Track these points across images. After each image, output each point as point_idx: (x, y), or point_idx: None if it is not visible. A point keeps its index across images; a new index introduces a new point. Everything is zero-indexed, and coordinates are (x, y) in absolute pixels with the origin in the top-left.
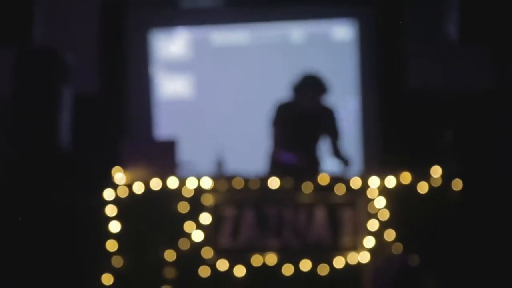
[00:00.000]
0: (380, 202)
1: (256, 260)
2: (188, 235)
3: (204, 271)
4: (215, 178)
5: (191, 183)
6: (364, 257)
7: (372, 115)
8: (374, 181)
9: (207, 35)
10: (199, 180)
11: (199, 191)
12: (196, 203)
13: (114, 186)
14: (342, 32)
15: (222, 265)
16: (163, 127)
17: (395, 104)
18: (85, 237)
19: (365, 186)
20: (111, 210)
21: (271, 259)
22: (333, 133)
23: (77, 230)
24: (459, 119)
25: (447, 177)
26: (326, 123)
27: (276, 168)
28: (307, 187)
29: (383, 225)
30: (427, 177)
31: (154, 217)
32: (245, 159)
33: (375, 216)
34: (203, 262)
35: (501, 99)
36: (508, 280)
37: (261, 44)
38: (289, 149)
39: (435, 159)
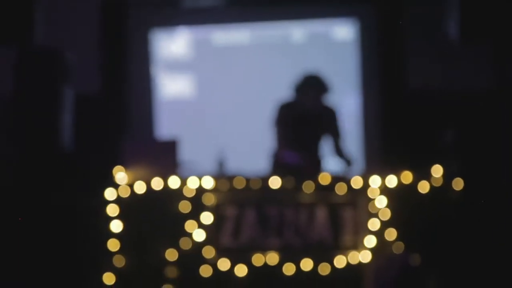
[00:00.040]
0: (381, 202)
1: (258, 260)
2: (189, 235)
3: (205, 271)
4: (217, 177)
5: (193, 183)
6: (365, 257)
7: (373, 114)
8: (375, 181)
9: (208, 34)
10: (200, 179)
11: (200, 190)
12: (198, 203)
13: (116, 186)
14: (343, 31)
15: (224, 264)
16: (164, 127)
17: (395, 103)
18: (86, 237)
19: (366, 185)
20: (112, 210)
21: (272, 258)
22: (335, 133)
23: (79, 230)
24: (459, 119)
25: (448, 176)
26: (328, 123)
27: (278, 167)
28: (308, 187)
29: (384, 225)
30: (428, 176)
31: (155, 217)
32: (246, 159)
33: (376, 215)
34: (205, 261)
35: (501, 99)
36: (509, 280)
37: (262, 44)
38: (291, 149)
39: (436, 159)
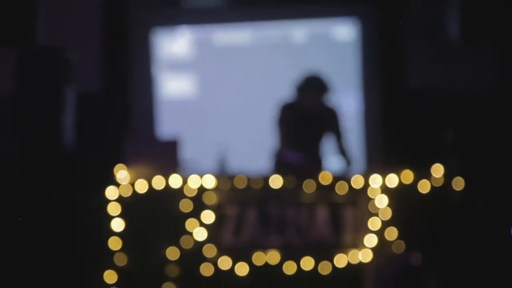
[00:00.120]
0: (382, 201)
1: (259, 258)
2: (190, 234)
3: (206, 270)
4: (218, 177)
5: (194, 182)
6: (366, 256)
7: (374, 114)
8: (375, 180)
9: (210, 34)
10: (202, 179)
11: (202, 189)
12: (199, 202)
13: (117, 185)
14: (344, 31)
15: (225, 263)
16: (166, 127)
17: (396, 103)
18: (88, 237)
19: (367, 184)
20: (114, 209)
21: (273, 257)
22: (337, 133)
23: (81, 229)
24: (459, 119)
25: (448, 176)
26: (329, 122)
27: (280, 167)
28: (309, 186)
29: (385, 224)
30: (428, 176)
31: (156, 216)
32: (247, 158)
33: (377, 214)
34: (206, 260)
35: (501, 99)
36: (509, 280)
37: (263, 44)
38: (293, 149)
39: (436, 158)
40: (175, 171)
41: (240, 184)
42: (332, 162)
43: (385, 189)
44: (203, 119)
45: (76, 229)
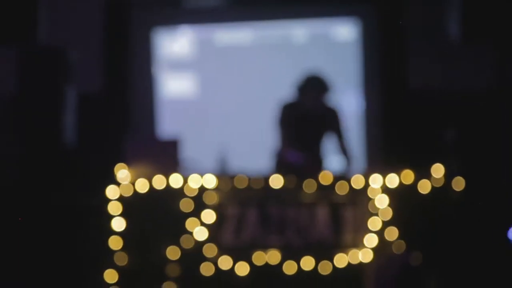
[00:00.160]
0: (382, 201)
1: (259, 258)
2: (191, 233)
3: (207, 269)
4: (219, 176)
5: (195, 182)
6: (366, 256)
7: (374, 114)
8: (376, 180)
9: (210, 34)
10: (202, 178)
11: (202, 189)
12: (200, 202)
13: (118, 184)
14: (344, 31)
15: (225, 263)
16: (166, 126)
17: (396, 103)
18: (89, 236)
19: (367, 184)
20: (115, 208)
21: (274, 257)
22: (338, 132)
23: (82, 229)
24: (459, 119)
25: (448, 176)
26: (330, 122)
27: (281, 166)
28: (309, 186)
29: (385, 224)
30: (428, 175)
31: (157, 215)
32: (248, 158)
33: (377, 214)
34: (207, 260)
35: (501, 99)
36: (509, 280)
37: (264, 44)
38: (293, 148)
39: (436, 158)
40: (175, 171)
41: (241, 184)
42: (332, 162)
43: (385, 189)
44: (203, 119)
45: (77, 229)
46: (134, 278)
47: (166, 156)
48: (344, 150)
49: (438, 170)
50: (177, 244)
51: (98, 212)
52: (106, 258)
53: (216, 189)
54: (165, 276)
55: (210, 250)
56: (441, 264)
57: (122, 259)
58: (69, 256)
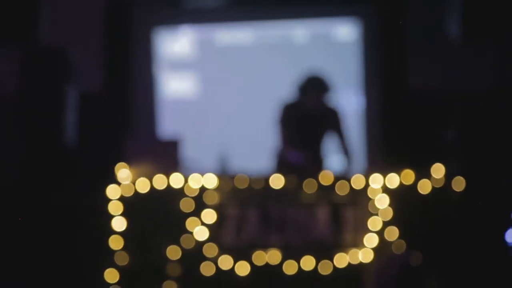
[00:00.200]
0: (382, 201)
1: (259, 257)
2: (192, 233)
3: (208, 269)
4: (219, 176)
5: (195, 182)
6: (366, 256)
7: (374, 114)
8: (376, 179)
9: (211, 34)
10: (203, 178)
11: (203, 189)
12: (200, 201)
13: (118, 184)
14: (344, 32)
15: (226, 263)
16: (167, 126)
17: (396, 103)
18: (90, 236)
19: (367, 184)
20: (115, 208)
21: (274, 257)
22: (339, 132)
23: (83, 228)
24: (459, 119)
25: (449, 176)
26: (331, 122)
27: (282, 166)
28: (310, 185)
29: (386, 224)
30: (429, 175)
31: (158, 215)
32: (248, 158)
33: (377, 214)
34: (207, 259)
35: (501, 99)
36: (509, 280)
37: (265, 44)
38: (294, 148)
39: (436, 159)
40: (176, 171)
41: (241, 184)
42: (333, 162)
43: (385, 189)
44: (204, 119)
45: (77, 229)
46: (135, 278)
47: (167, 156)
48: (345, 150)
49: (438, 170)
50: (178, 244)
51: (99, 212)
52: (107, 258)
53: (216, 189)
54: (166, 276)
55: (210, 250)
56: (441, 264)
57: (122, 259)
58: (69, 256)
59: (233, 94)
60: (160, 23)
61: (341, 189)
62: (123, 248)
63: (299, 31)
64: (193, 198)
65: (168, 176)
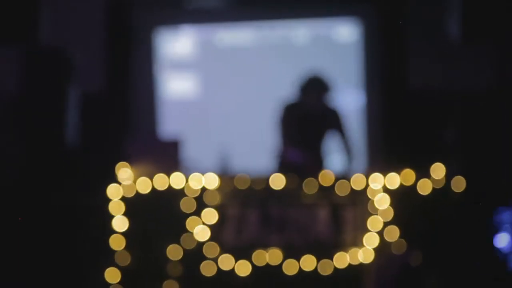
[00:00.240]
0: (383, 200)
1: (260, 257)
2: (193, 233)
3: (209, 269)
4: (220, 176)
5: (196, 182)
6: (367, 256)
7: (375, 114)
8: (377, 179)
9: (212, 34)
10: (204, 178)
11: (204, 189)
12: (201, 201)
13: (119, 183)
14: (346, 32)
15: (227, 263)
16: (168, 126)
17: (396, 103)
18: (91, 236)
19: (368, 184)
20: (116, 207)
21: (275, 257)
22: (340, 132)
23: (83, 229)
24: (459, 119)
25: (449, 176)
26: (332, 122)
27: (283, 166)
28: (310, 185)
29: (386, 224)
30: (429, 175)
31: (158, 215)
32: (249, 158)
33: (378, 214)
34: (208, 259)
35: (501, 99)
36: (509, 280)
37: (266, 44)
38: (295, 148)
39: (436, 159)
40: (177, 171)
41: (242, 184)
42: (333, 161)
43: (386, 189)
44: (205, 119)
45: (78, 229)
46: (136, 278)
47: (168, 157)
48: (345, 149)
49: (438, 170)
50: (179, 243)
51: (100, 211)
52: (107, 258)
53: (217, 188)
54: (167, 276)
55: (212, 250)
56: (441, 264)
57: (123, 259)
58: (69, 256)
59: (234, 94)
60: (161, 23)
61: (342, 189)
62: (124, 248)
63: (299, 32)
64: (194, 198)
65: (169, 176)
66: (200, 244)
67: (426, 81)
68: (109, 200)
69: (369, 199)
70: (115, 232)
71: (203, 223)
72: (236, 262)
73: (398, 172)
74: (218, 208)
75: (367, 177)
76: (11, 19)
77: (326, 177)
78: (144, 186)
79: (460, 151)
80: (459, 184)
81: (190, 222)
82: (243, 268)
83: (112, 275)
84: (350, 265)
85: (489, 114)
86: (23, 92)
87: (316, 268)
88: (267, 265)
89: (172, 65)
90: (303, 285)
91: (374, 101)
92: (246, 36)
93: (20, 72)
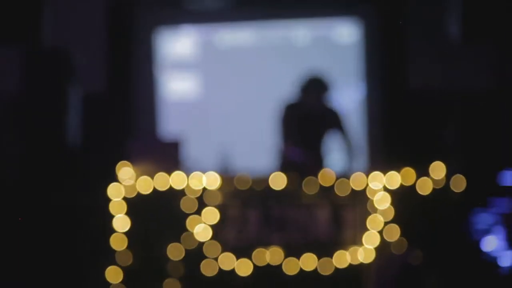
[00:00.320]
0: (383, 200)
1: (260, 256)
2: (194, 233)
3: (210, 268)
4: (221, 176)
5: (197, 182)
6: (368, 255)
7: (375, 114)
8: (377, 178)
9: (213, 35)
10: (205, 178)
11: (205, 189)
12: (202, 201)
13: (120, 183)
14: (346, 32)
15: (228, 262)
16: (169, 126)
17: (396, 103)
18: (93, 235)
19: (368, 183)
20: (117, 207)
21: (275, 256)
22: (341, 131)
23: (83, 228)
24: (459, 119)
25: (449, 176)
26: (332, 122)
27: (284, 165)
28: (311, 184)
29: (386, 223)
30: (428, 174)
31: (159, 215)
32: (250, 158)
33: (378, 213)
34: (210, 259)
35: (501, 99)
36: (508, 280)
37: (266, 45)
38: (296, 147)
39: (436, 159)
40: (177, 171)
41: (243, 184)
42: (334, 161)
43: (386, 188)
44: (206, 119)
45: (78, 229)
46: (136, 277)
47: (168, 157)
48: (347, 149)
49: (439, 169)
50: (180, 243)
51: (100, 212)
52: (107, 257)
53: (218, 188)
54: (168, 275)
55: (213, 250)
56: (441, 264)
57: (124, 258)
58: (69, 256)
59: (235, 94)
60: (162, 24)
61: (342, 188)
62: (125, 248)
63: (299, 32)
64: (195, 198)
65: (170, 176)
66: (201, 244)
67: (426, 81)
68: (109, 200)
69: (369, 198)
70: (115, 231)
71: (205, 223)
72: (238, 262)
73: (399, 172)
74: (218, 207)
75: (367, 177)
76: (11, 19)
77: (326, 176)
78: (144, 185)
79: (460, 151)
80: (459, 184)
81: (190, 221)
82: (244, 268)
83: (112, 274)
84: (350, 265)
85: (489, 114)
86: (24, 92)
87: (316, 268)
88: (268, 265)
89: (173, 65)
90: (303, 285)
91: (374, 101)
92: (246, 36)
93: (21, 72)
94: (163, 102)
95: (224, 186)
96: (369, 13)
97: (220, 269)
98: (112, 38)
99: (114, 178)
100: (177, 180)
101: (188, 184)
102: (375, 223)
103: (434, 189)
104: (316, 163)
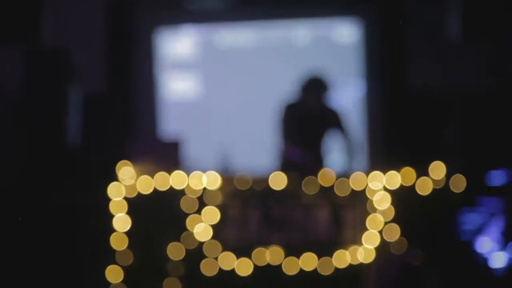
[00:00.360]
0: (383, 200)
1: (260, 256)
2: (194, 233)
3: (210, 268)
4: (221, 176)
5: (197, 181)
6: (368, 255)
7: (375, 114)
8: (377, 178)
9: (213, 35)
10: (205, 178)
11: (205, 189)
12: (202, 201)
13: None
14: (346, 32)
15: (228, 262)
16: (169, 126)
17: (397, 103)
18: (93, 235)
19: (368, 183)
20: (118, 207)
21: (276, 256)
22: (341, 131)
23: (83, 228)
24: (459, 119)
25: (449, 176)
26: (332, 122)
27: (284, 165)
28: (311, 184)
29: (386, 223)
30: (428, 174)
31: (159, 215)
32: (250, 158)
33: (378, 213)
34: (210, 258)
35: (501, 99)
36: (508, 280)
37: (266, 45)
38: (296, 147)
39: (436, 159)
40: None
41: (243, 183)
42: (334, 160)
43: (386, 188)
44: (205, 119)
45: (78, 228)
46: (137, 277)
47: (169, 157)
48: (347, 149)
49: (438, 169)
50: (180, 243)
51: (100, 211)
52: (108, 257)
53: (218, 188)
54: (168, 275)
55: (213, 249)
56: (441, 264)
57: (124, 258)
58: (70, 256)
59: (234, 94)
60: (161, 23)
61: (342, 188)
62: (125, 247)
63: (300, 32)
64: (195, 197)
65: (170, 176)
66: (201, 243)
67: (426, 81)
68: (109, 199)
69: (369, 198)
70: (115, 231)
71: (205, 223)
72: (238, 262)
73: (399, 171)
74: (219, 207)
75: (367, 177)
76: (12, 19)
77: (326, 176)
78: (145, 185)
79: (460, 151)
80: (459, 183)
81: (191, 221)
82: (244, 267)
83: (112, 274)
84: (350, 265)
85: (489, 114)
86: (24, 92)
87: (316, 268)
88: (268, 265)
89: (173, 65)
90: (303, 285)
91: (374, 100)
92: (246, 36)
93: (21, 72)
94: (163, 102)
95: (224, 186)
96: (369, 13)
97: (220, 269)
98: (112, 38)
99: (114, 178)
100: (177, 180)
101: (188, 184)
102: (375, 223)
103: (434, 189)
104: (316, 163)
